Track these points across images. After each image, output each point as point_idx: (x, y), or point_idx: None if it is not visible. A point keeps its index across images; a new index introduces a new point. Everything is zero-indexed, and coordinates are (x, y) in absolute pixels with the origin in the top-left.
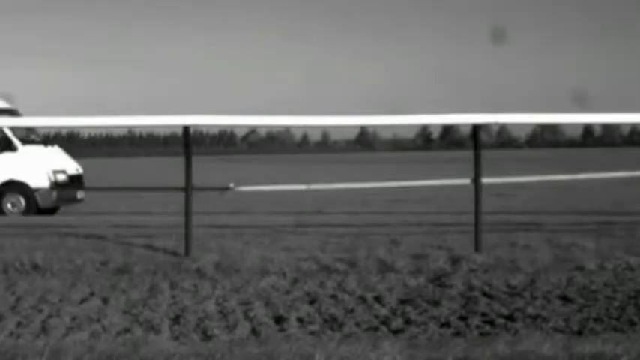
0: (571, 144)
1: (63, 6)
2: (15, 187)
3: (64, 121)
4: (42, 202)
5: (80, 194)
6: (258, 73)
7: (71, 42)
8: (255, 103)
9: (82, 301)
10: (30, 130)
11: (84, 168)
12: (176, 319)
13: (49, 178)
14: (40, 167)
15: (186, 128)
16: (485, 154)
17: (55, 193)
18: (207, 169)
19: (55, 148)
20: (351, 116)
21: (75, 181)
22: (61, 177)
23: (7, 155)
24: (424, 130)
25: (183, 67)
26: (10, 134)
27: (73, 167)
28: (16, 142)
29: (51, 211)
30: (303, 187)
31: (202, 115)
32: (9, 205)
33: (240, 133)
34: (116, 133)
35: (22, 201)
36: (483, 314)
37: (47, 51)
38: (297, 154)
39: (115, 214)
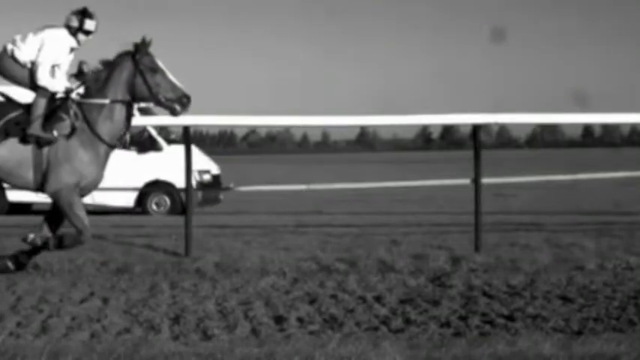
0: (571, 144)
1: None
2: (160, 186)
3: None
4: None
5: (221, 195)
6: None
7: None
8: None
9: (82, 301)
10: (163, 129)
11: None
12: (176, 319)
13: (195, 178)
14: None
15: (186, 128)
16: (485, 154)
17: (200, 194)
18: None
19: (194, 147)
20: (351, 116)
21: (217, 181)
22: (206, 177)
23: (152, 155)
24: (424, 130)
25: (184, 67)
26: (154, 133)
27: (214, 167)
28: (161, 141)
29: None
30: (303, 187)
31: (202, 115)
32: (154, 205)
33: (240, 133)
34: None
35: (168, 201)
36: (483, 314)
37: None
38: (297, 154)
39: (115, 214)
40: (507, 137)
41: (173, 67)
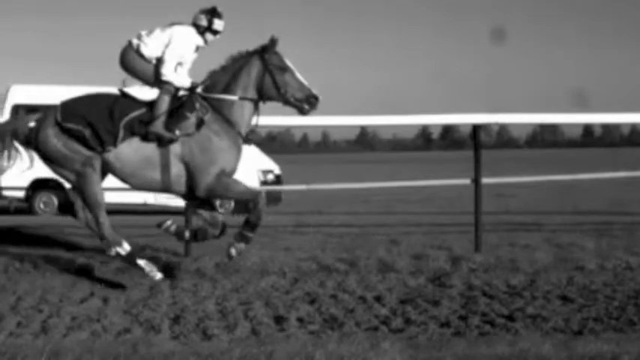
0: (571, 144)
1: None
2: None
3: None
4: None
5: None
6: None
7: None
8: None
9: (82, 301)
10: None
11: None
12: (176, 319)
13: (259, 178)
14: (251, 166)
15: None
16: (485, 154)
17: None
18: None
19: (256, 148)
20: (351, 116)
21: (279, 180)
22: (270, 176)
23: None
24: (424, 130)
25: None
26: None
27: (276, 167)
28: None
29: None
30: (303, 187)
31: None
32: (218, 205)
33: None
34: None
35: (232, 201)
36: (483, 314)
37: None
38: (297, 154)
39: (116, 214)
40: (507, 137)
41: None
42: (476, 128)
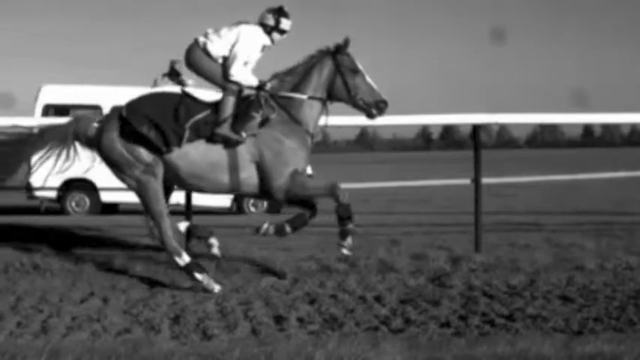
0: (571, 144)
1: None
2: None
3: None
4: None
5: None
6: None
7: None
8: None
9: (82, 301)
10: None
11: None
12: (176, 319)
13: None
14: None
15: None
16: (485, 154)
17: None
18: None
19: None
20: (351, 116)
21: None
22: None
23: None
24: (424, 130)
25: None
26: None
27: (309, 168)
28: None
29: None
30: None
31: None
32: (251, 206)
33: None
34: None
35: (264, 202)
36: (483, 314)
37: None
38: None
39: (115, 214)
40: (507, 137)
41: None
42: (476, 128)
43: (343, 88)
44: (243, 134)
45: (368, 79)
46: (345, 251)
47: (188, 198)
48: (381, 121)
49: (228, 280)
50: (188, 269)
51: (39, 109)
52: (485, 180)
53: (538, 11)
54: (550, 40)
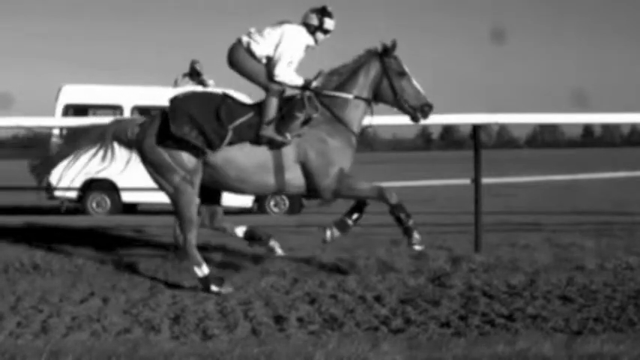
0: (571, 144)
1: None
2: None
3: None
4: (307, 204)
5: None
6: None
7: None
8: None
9: (82, 301)
10: None
11: None
12: (176, 319)
13: None
14: None
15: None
16: (485, 154)
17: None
18: None
19: None
20: None
21: None
22: None
23: None
24: (424, 130)
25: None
26: None
27: None
28: None
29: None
30: None
31: None
32: (273, 206)
33: None
34: None
35: (286, 201)
36: (483, 314)
37: None
38: None
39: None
40: (507, 137)
41: (174, 68)
42: (476, 128)
43: (389, 90)
44: (288, 135)
45: (414, 82)
46: (417, 247)
47: None
48: (381, 120)
49: (228, 280)
50: (206, 281)
51: (59, 109)
52: (485, 180)
53: (538, 11)
54: (550, 40)
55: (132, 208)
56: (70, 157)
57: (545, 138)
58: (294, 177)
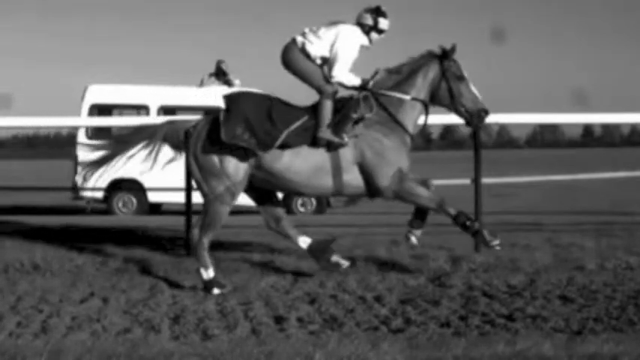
0: (571, 144)
1: None
2: None
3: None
4: (334, 204)
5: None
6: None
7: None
8: None
9: (82, 301)
10: None
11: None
12: (176, 319)
13: None
14: None
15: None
16: (485, 154)
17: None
18: None
19: None
20: None
21: None
22: None
23: None
24: (424, 130)
25: (184, 69)
26: None
27: None
28: None
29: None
30: None
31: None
32: (300, 206)
33: None
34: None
35: (313, 201)
36: (483, 314)
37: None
38: None
39: (116, 214)
40: (507, 137)
41: (174, 69)
42: (476, 128)
43: (447, 93)
44: (345, 137)
45: (472, 87)
46: (495, 245)
47: (188, 198)
48: None
49: (228, 280)
50: (209, 284)
51: (85, 109)
52: (485, 180)
53: (538, 11)
54: (550, 40)
55: (157, 208)
56: (121, 157)
57: (545, 138)
58: (353, 178)
